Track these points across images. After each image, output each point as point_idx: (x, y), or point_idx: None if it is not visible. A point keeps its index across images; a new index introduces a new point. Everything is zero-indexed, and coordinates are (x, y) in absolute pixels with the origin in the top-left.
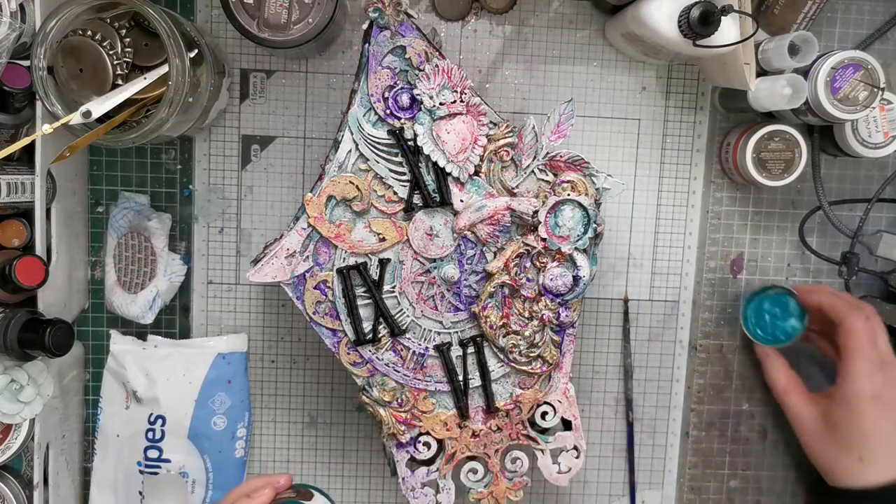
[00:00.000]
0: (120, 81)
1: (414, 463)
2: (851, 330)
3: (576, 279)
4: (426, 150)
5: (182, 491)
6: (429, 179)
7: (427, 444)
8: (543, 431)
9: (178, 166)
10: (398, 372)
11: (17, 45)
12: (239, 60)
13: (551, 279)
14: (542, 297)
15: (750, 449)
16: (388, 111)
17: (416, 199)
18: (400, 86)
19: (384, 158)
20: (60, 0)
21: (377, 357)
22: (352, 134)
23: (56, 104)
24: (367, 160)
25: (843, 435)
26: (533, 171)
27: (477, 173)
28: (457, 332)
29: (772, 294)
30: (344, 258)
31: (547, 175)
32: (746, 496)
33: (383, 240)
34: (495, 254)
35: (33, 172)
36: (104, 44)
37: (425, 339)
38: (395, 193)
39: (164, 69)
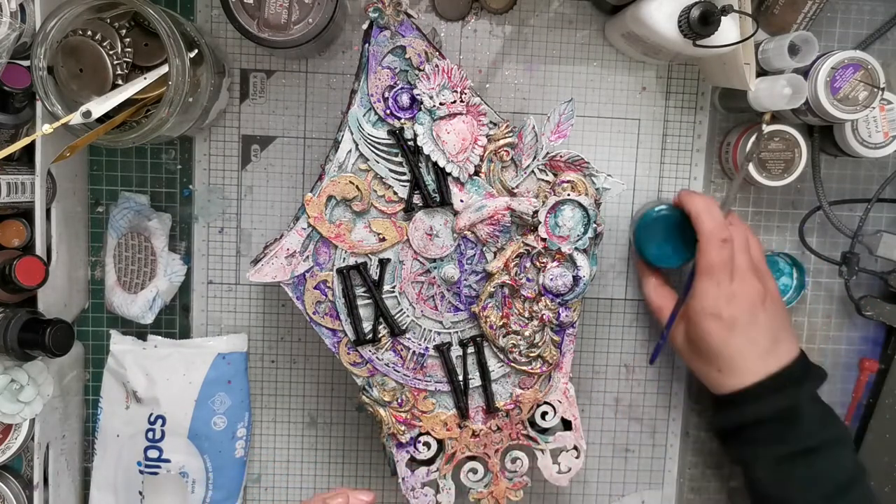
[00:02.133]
0: (120, 81)
1: (414, 463)
2: (700, 241)
3: (576, 279)
4: (426, 150)
5: (182, 491)
6: (429, 179)
7: (427, 444)
8: (543, 431)
9: (178, 166)
10: (398, 372)
11: (17, 45)
12: (239, 60)
13: (551, 279)
14: (542, 297)
15: None
16: (388, 111)
17: (416, 199)
18: (400, 86)
19: (384, 158)
20: (60, 0)
21: (377, 357)
22: (352, 134)
23: (56, 104)
24: (367, 160)
25: (699, 350)
26: (533, 171)
27: (477, 173)
28: (457, 332)
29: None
30: (344, 258)
31: (547, 175)
32: (747, 496)
33: (383, 240)
34: (495, 254)
35: (33, 172)
36: (104, 44)
37: (425, 339)
38: (395, 193)
39: (164, 69)
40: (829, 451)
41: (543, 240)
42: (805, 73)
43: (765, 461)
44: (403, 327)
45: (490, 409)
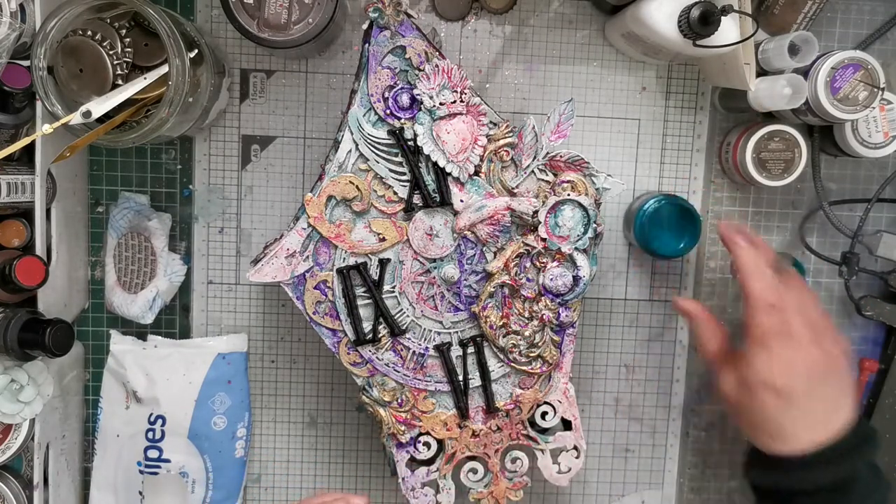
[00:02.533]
0: (120, 81)
1: (414, 463)
2: (747, 304)
3: (576, 279)
4: (426, 150)
5: (182, 491)
6: (429, 179)
7: (427, 444)
8: (543, 431)
9: (178, 166)
10: (398, 372)
11: (17, 45)
12: (239, 60)
13: (551, 279)
14: (542, 297)
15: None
16: (388, 111)
17: (416, 199)
18: (400, 86)
19: (384, 158)
20: (60, 0)
21: (377, 357)
22: (352, 134)
23: (56, 104)
24: (367, 160)
25: (751, 416)
26: (533, 171)
27: (477, 173)
28: (457, 332)
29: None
30: (344, 258)
31: (547, 175)
32: (746, 496)
33: (383, 240)
34: (495, 254)
35: (33, 172)
36: (104, 44)
37: (425, 339)
38: (395, 193)
39: (164, 69)
40: None
41: (543, 240)
42: (805, 73)
43: None
44: (403, 327)
45: (490, 409)
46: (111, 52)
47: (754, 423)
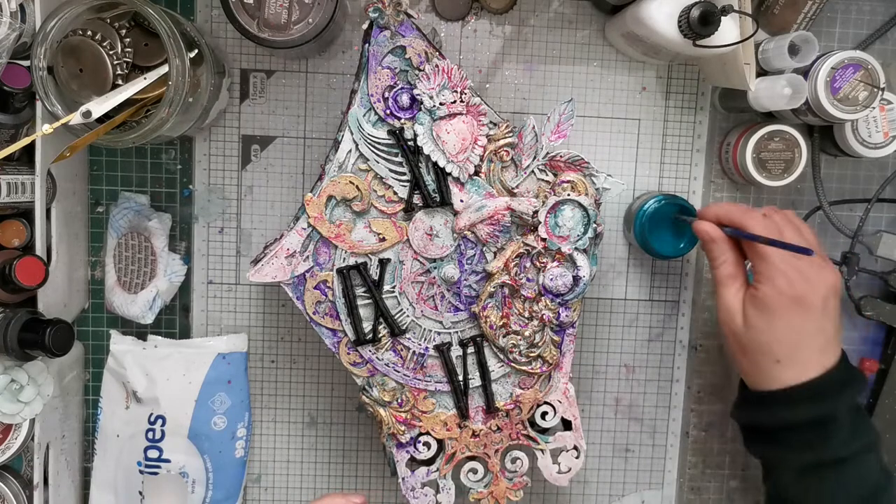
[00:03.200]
0: (120, 81)
1: (414, 463)
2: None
3: (576, 279)
4: (426, 150)
5: (182, 491)
6: (429, 179)
7: (427, 444)
8: (543, 431)
9: (178, 166)
10: (398, 372)
11: (17, 45)
12: (239, 60)
13: (551, 279)
14: (542, 297)
15: None
16: (388, 111)
17: (416, 199)
18: (400, 86)
19: (384, 158)
20: (60, 0)
21: (377, 357)
22: (352, 134)
23: (56, 104)
24: (367, 160)
25: (761, 337)
26: (533, 171)
27: (477, 173)
28: (457, 332)
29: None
30: (344, 258)
31: (547, 175)
32: (746, 496)
33: (383, 240)
34: (495, 254)
35: (33, 172)
36: (104, 44)
37: (425, 339)
38: (395, 193)
39: (164, 69)
40: (858, 459)
41: (543, 240)
42: (805, 73)
43: (791, 466)
44: (403, 327)
45: (490, 409)
46: (111, 52)
47: (768, 346)
